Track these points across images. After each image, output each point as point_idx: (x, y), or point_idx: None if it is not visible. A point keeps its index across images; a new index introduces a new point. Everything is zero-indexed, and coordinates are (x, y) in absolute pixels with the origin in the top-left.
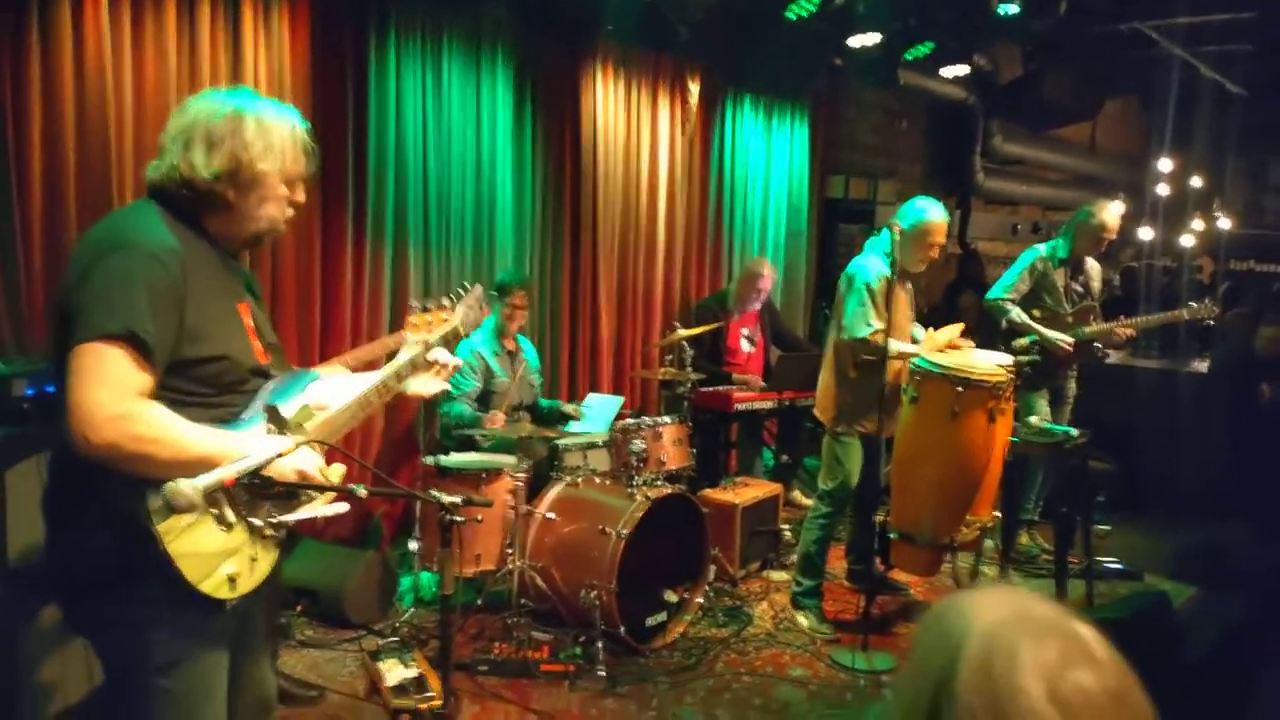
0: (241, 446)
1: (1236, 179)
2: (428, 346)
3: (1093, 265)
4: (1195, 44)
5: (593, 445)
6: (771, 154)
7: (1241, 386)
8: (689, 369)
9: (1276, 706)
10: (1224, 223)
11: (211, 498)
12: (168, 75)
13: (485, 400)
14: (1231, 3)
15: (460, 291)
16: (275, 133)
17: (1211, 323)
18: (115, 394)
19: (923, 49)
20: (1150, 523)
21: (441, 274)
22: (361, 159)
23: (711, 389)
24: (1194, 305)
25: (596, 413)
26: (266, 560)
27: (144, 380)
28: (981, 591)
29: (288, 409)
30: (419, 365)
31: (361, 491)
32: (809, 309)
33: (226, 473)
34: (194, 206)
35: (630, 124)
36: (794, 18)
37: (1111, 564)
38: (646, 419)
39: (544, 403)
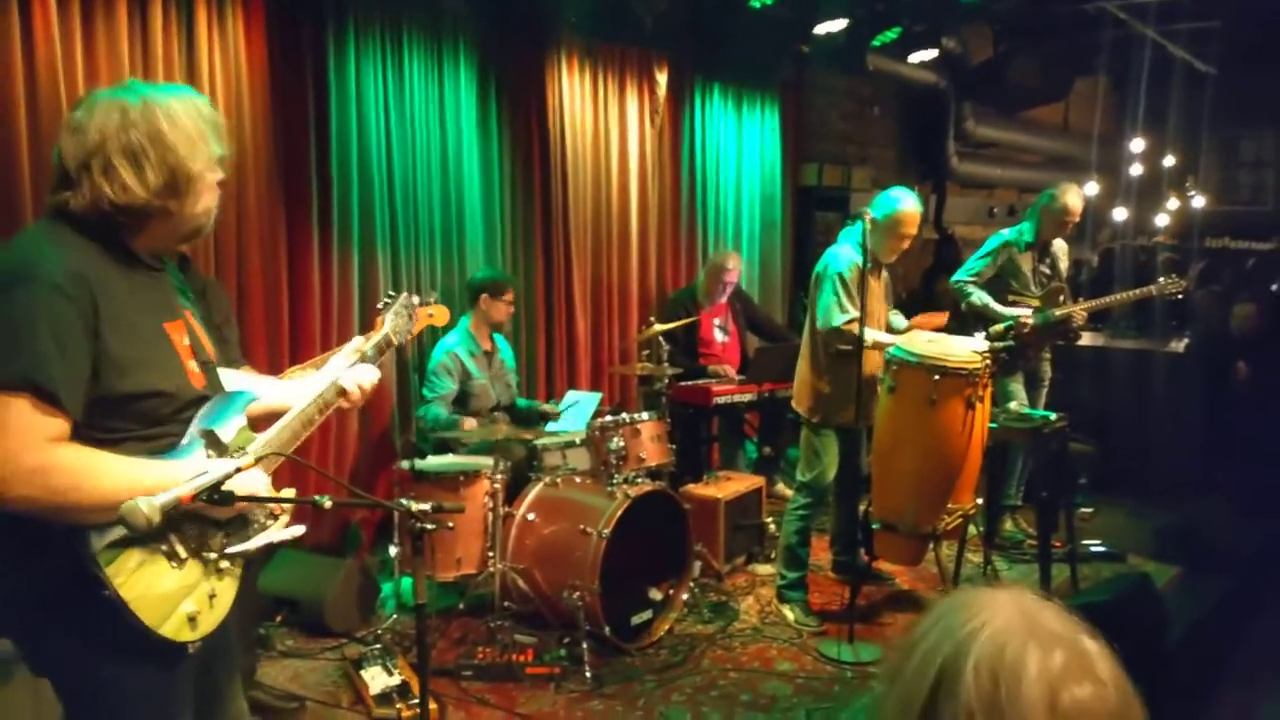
0: (179, 474)
1: (1210, 156)
2: (363, 356)
3: (1060, 246)
4: (1164, 22)
5: (571, 444)
6: (743, 144)
7: (1217, 365)
8: (665, 364)
9: (1252, 681)
10: (1198, 200)
11: (160, 534)
12: (121, 79)
13: (463, 402)
14: None
15: (388, 299)
16: (190, 125)
17: (1180, 296)
18: (23, 446)
19: (890, 34)
20: (1131, 504)
21: (411, 274)
22: (324, 160)
23: (689, 383)
24: (1163, 280)
25: (575, 410)
26: (227, 595)
27: (55, 426)
28: (990, 591)
29: (226, 432)
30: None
31: (326, 503)
32: (786, 298)
33: (184, 490)
34: (119, 226)
35: (598, 117)
36: (759, 6)
37: (1095, 546)
38: (625, 416)
39: (521, 402)
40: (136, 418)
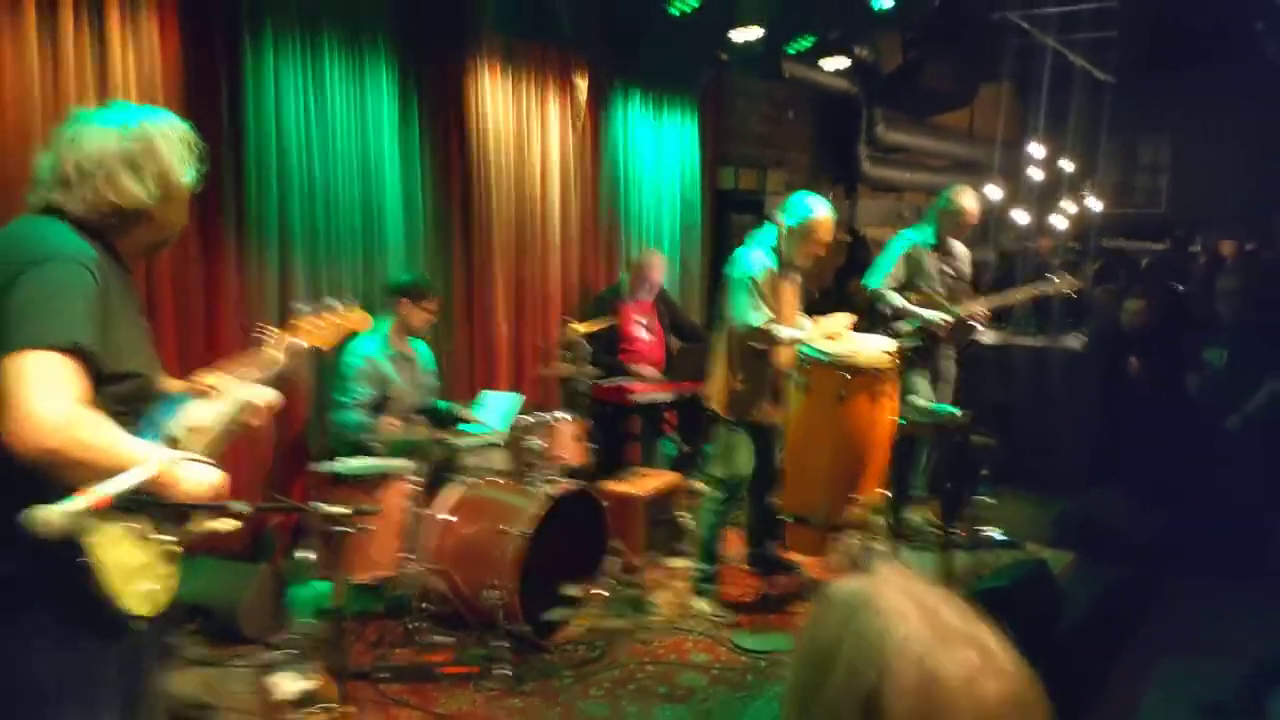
0: (155, 456)
1: (1107, 161)
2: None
3: (961, 248)
4: (1065, 31)
5: (491, 445)
6: (662, 147)
7: (1112, 361)
8: (587, 365)
9: (1141, 662)
10: (1095, 204)
11: (132, 512)
12: (30, 85)
13: (381, 406)
14: None
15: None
16: (180, 143)
17: (1074, 295)
18: (65, 402)
19: (804, 42)
20: (1030, 494)
21: (330, 277)
22: (240, 164)
23: (610, 383)
24: (1054, 279)
25: (495, 411)
26: (173, 579)
27: (85, 389)
28: (887, 585)
29: (174, 429)
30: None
31: (244, 508)
32: (705, 300)
33: (94, 498)
34: (108, 229)
35: (519, 119)
36: (677, 13)
37: (995, 535)
38: (545, 415)
39: (441, 404)
40: (114, 398)
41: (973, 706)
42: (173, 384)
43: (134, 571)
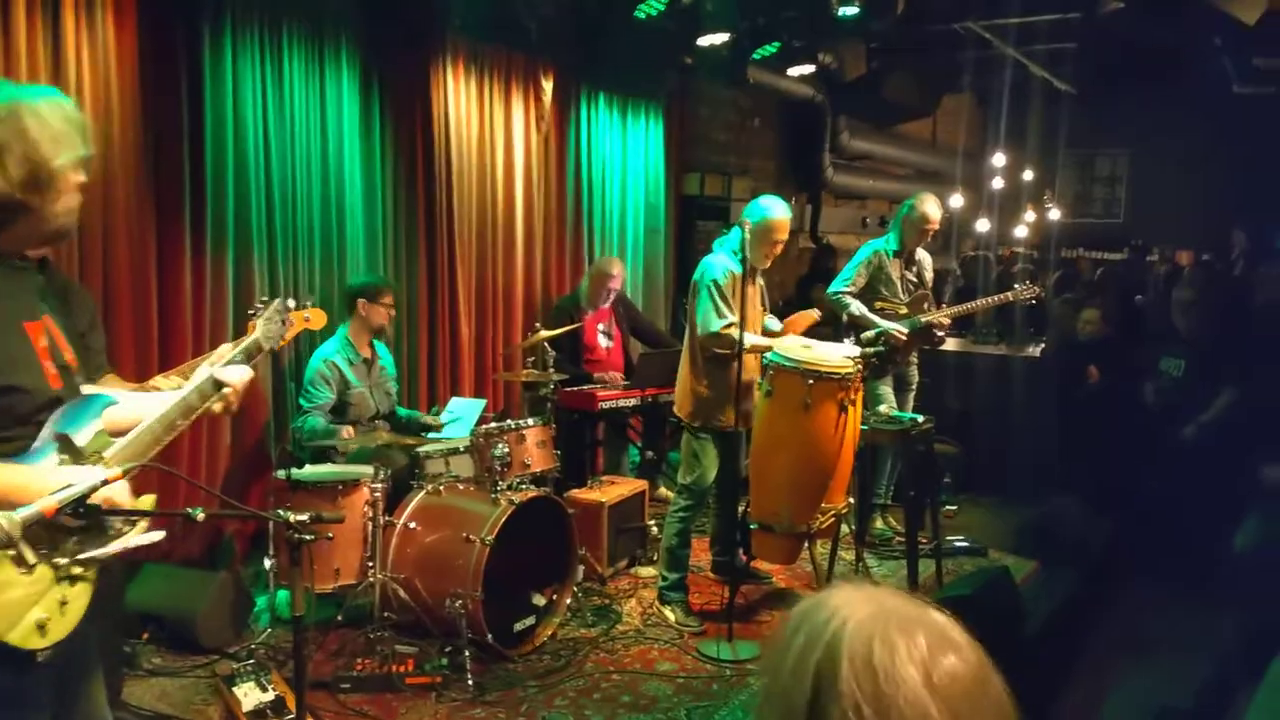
0: (36, 481)
1: (1066, 172)
2: (217, 378)
3: (924, 256)
4: (1025, 43)
5: (455, 451)
6: (628, 152)
7: (1069, 370)
8: (551, 370)
9: (1101, 669)
10: (1054, 213)
11: (6, 539)
12: None
13: (341, 411)
14: (1058, 3)
15: (259, 305)
16: (56, 123)
17: (1034, 302)
18: None
19: (769, 48)
20: (992, 502)
21: (289, 278)
22: (198, 162)
23: (575, 389)
24: (1018, 287)
25: (459, 417)
26: (79, 602)
27: None
28: (841, 589)
29: (81, 436)
30: (209, 393)
31: (199, 515)
32: (669, 305)
33: (47, 503)
34: None
35: (484, 122)
36: (643, 17)
37: (958, 542)
38: (509, 422)
39: (403, 411)
40: None
41: (925, 682)
42: (103, 386)
43: (14, 604)
